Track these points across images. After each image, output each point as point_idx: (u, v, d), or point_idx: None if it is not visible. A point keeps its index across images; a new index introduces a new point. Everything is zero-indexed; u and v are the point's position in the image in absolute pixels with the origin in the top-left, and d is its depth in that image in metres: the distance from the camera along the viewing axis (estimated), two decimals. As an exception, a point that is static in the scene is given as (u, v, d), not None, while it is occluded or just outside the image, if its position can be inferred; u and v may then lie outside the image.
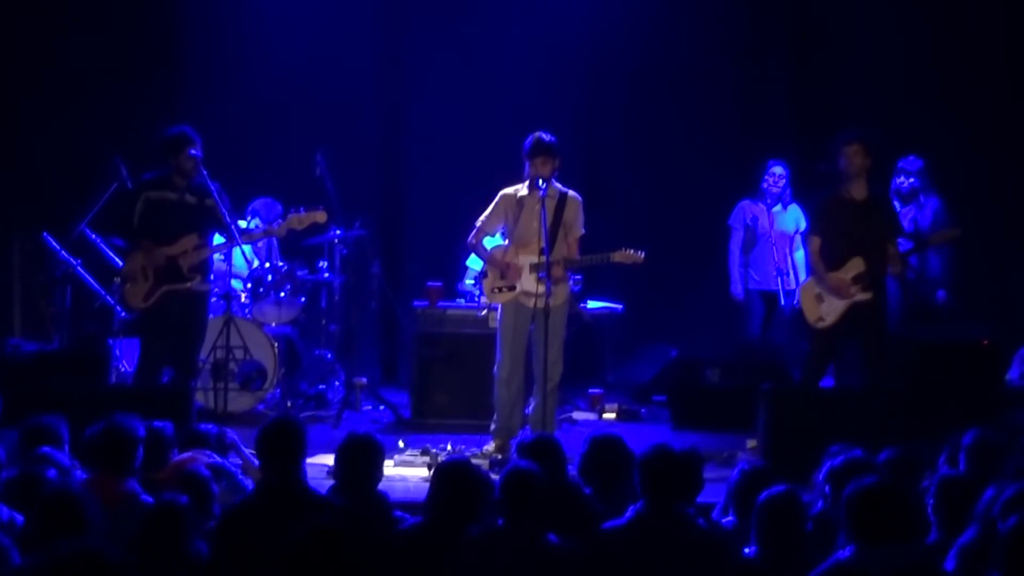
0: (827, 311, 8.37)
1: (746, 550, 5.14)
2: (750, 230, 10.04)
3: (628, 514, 5.10)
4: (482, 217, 8.28)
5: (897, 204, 9.61)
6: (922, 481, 5.83)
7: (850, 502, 4.65)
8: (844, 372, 9.17)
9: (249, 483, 6.33)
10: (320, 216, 8.73)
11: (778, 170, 9.97)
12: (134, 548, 4.74)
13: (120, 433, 5.60)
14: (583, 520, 5.30)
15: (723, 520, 5.61)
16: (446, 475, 5.15)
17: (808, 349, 8.72)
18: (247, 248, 8.83)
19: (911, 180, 9.58)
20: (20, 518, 5.00)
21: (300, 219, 8.67)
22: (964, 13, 10.93)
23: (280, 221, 8.82)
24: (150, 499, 5.33)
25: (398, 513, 5.53)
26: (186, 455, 6.00)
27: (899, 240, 8.88)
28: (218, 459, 6.05)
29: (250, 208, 9.92)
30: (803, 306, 8.53)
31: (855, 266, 8.32)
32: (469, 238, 8.33)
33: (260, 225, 9.35)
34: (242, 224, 9.23)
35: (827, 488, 5.59)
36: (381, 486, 5.55)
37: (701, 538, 5.07)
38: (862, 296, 8.32)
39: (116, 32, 10.90)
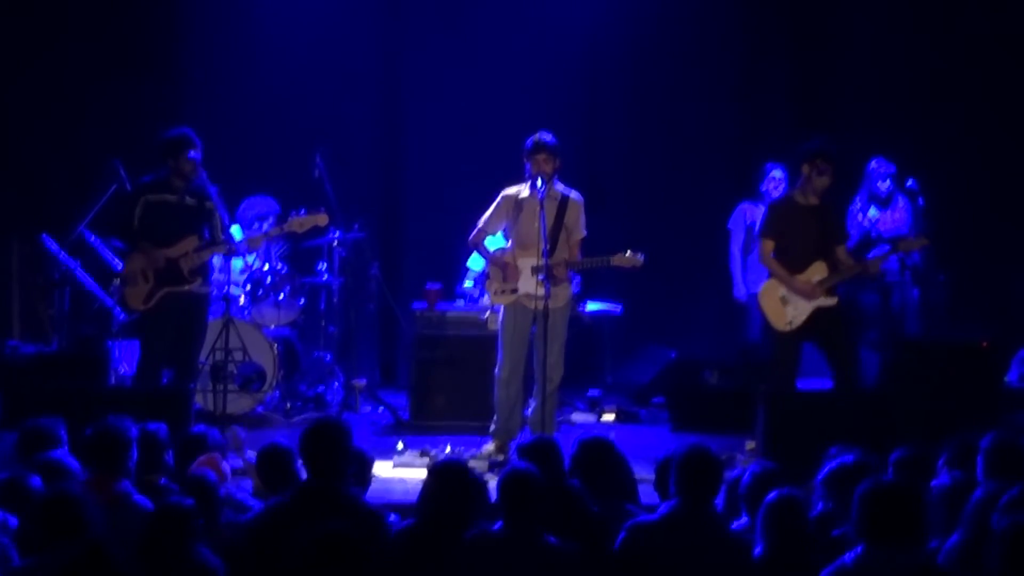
0: (794, 314, 8.31)
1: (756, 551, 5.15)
2: (749, 232, 10.04)
3: (661, 511, 5.15)
4: (484, 217, 8.28)
5: (875, 209, 9.63)
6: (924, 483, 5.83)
7: (863, 501, 4.62)
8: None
9: (247, 484, 6.34)
10: (321, 219, 8.72)
11: (777, 174, 9.96)
12: (138, 551, 4.73)
13: (112, 434, 5.60)
14: (581, 522, 5.30)
15: (733, 522, 5.61)
16: (440, 475, 5.15)
17: (773, 355, 8.50)
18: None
19: (888, 183, 9.60)
20: (12, 520, 5.00)
21: (301, 222, 8.67)
22: (964, 14, 10.92)
23: (275, 223, 8.83)
24: (144, 500, 5.33)
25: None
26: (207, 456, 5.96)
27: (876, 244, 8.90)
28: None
29: (242, 208, 9.88)
30: (766, 311, 8.39)
31: (818, 270, 8.28)
32: (470, 237, 8.33)
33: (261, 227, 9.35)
34: (232, 229, 9.18)
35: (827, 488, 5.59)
36: (380, 488, 5.55)
37: (730, 538, 5.12)
38: (827, 301, 8.29)
39: (115, 33, 10.89)
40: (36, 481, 5.26)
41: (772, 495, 5.11)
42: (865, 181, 9.69)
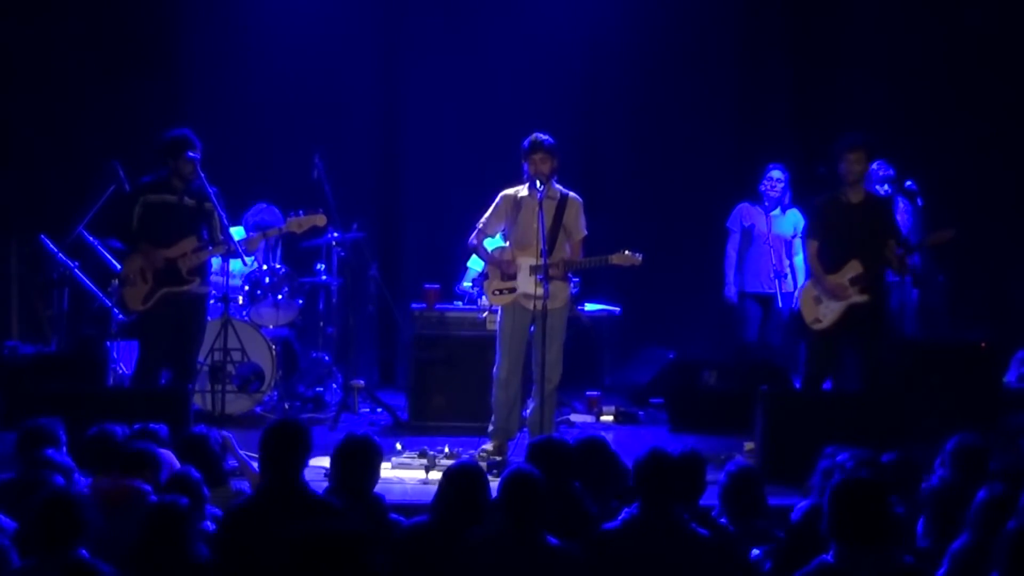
0: (824, 312, 8.36)
1: (756, 552, 5.14)
2: (747, 233, 10.04)
3: (622, 517, 5.10)
4: (483, 218, 8.28)
5: None
6: (920, 484, 5.84)
7: (830, 500, 4.59)
8: (841, 376, 9.16)
9: (245, 486, 6.34)
10: (320, 219, 8.72)
11: (776, 174, 9.97)
12: (134, 550, 4.73)
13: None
14: (584, 523, 5.30)
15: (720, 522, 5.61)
16: (456, 478, 5.15)
17: (806, 352, 8.68)
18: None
19: (887, 187, 9.60)
20: (9, 523, 5.00)
21: (300, 222, 8.67)
22: (964, 15, 10.93)
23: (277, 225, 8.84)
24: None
25: (394, 516, 5.53)
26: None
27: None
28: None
29: (250, 212, 9.89)
30: (802, 307, 8.52)
31: (852, 268, 8.32)
32: (470, 239, 8.33)
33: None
34: (236, 230, 9.18)
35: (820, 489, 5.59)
36: (378, 488, 5.55)
37: (694, 543, 5.05)
38: (859, 298, 8.31)
39: (115, 33, 10.89)
40: (51, 477, 5.27)
41: (801, 506, 5.07)
42: (865, 184, 9.68)
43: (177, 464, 5.72)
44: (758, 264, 9.99)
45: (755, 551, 5.24)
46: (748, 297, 10.09)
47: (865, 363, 8.35)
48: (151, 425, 6.16)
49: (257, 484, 6.12)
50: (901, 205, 9.70)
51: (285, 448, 5.16)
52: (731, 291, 10.15)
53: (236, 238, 8.65)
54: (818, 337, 8.43)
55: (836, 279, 8.33)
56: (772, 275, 9.95)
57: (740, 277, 10.10)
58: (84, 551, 4.58)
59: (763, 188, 10.00)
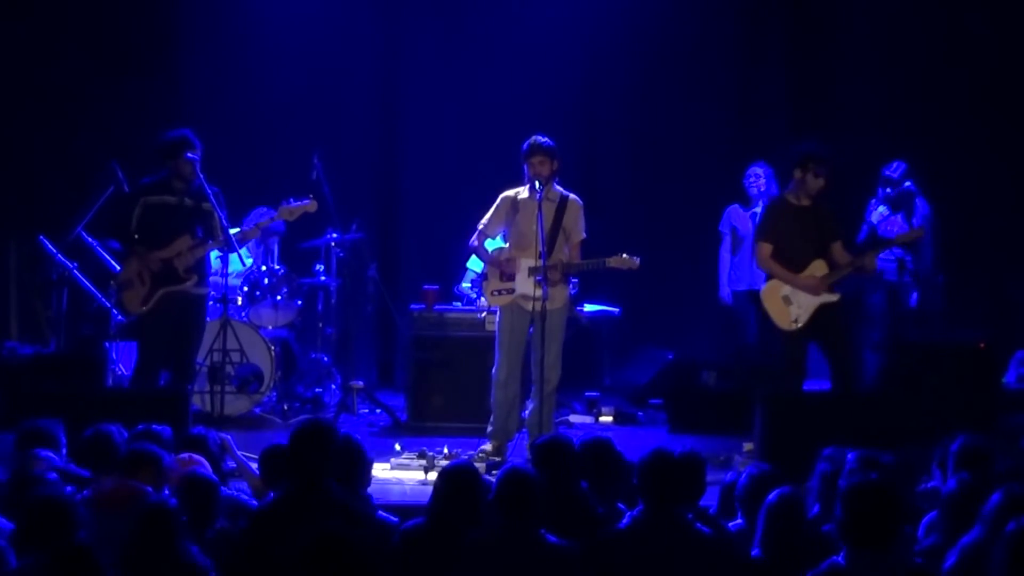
0: (797, 312, 8.28)
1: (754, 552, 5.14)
2: (735, 233, 10.06)
3: (626, 519, 5.09)
4: (484, 219, 8.28)
5: (887, 209, 9.62)
6: (917, 486, 5.83)
7: (843, 503, 4.60)
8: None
9: (244, 487, 6.33)
10: (311, 206, 8.65)
11: (757, 170, 10.01)
12: (124, 551, 4.72)
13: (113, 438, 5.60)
14: (589, 524, 5.30)
15: (728, 523, 5.60)
16: (452, 479, 5.14)
17: (783, 356, 8.45)
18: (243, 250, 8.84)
19: (901, 185, 9.58)
20: (6, 524, 5.00)
21: (291, 210, 8.60)
22: (961, 15, 10.92)
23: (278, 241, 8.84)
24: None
25: (383, 515, 5.52)
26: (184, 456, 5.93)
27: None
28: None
29: (247, 219, 9.87)
30: (771, 312, 8.35)
31: (818, 268, 8.27)
32: (471, 240, 8.33)
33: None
34: (233, 232, 9.17)
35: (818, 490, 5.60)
36: (378, 489, 5.55)
37: (700, 543, 5.05)
38: (830, 297, 8.28)
39: (115, 33, 10.89)
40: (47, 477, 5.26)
41: (772, 496, 5.09)
42: (879, 183, 9.70)
43: (210, 471, 5.68)
44: (748, 263, 9.96)
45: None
46: (742, 296, 10.09)
47: (840, 363, 8.31)
48: (154, 426, 6.14)
49: (256, 486, 6.13)
50: (918, 207, 9.67)
51: (311, 450, 5.07)
52: (725, 292, 10.17)
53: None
54: (794, 337, 8.31)
55: (807, 275, 8.28)
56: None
57: (735, 276, 10.11)
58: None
59: (749, 190, 10.03)
